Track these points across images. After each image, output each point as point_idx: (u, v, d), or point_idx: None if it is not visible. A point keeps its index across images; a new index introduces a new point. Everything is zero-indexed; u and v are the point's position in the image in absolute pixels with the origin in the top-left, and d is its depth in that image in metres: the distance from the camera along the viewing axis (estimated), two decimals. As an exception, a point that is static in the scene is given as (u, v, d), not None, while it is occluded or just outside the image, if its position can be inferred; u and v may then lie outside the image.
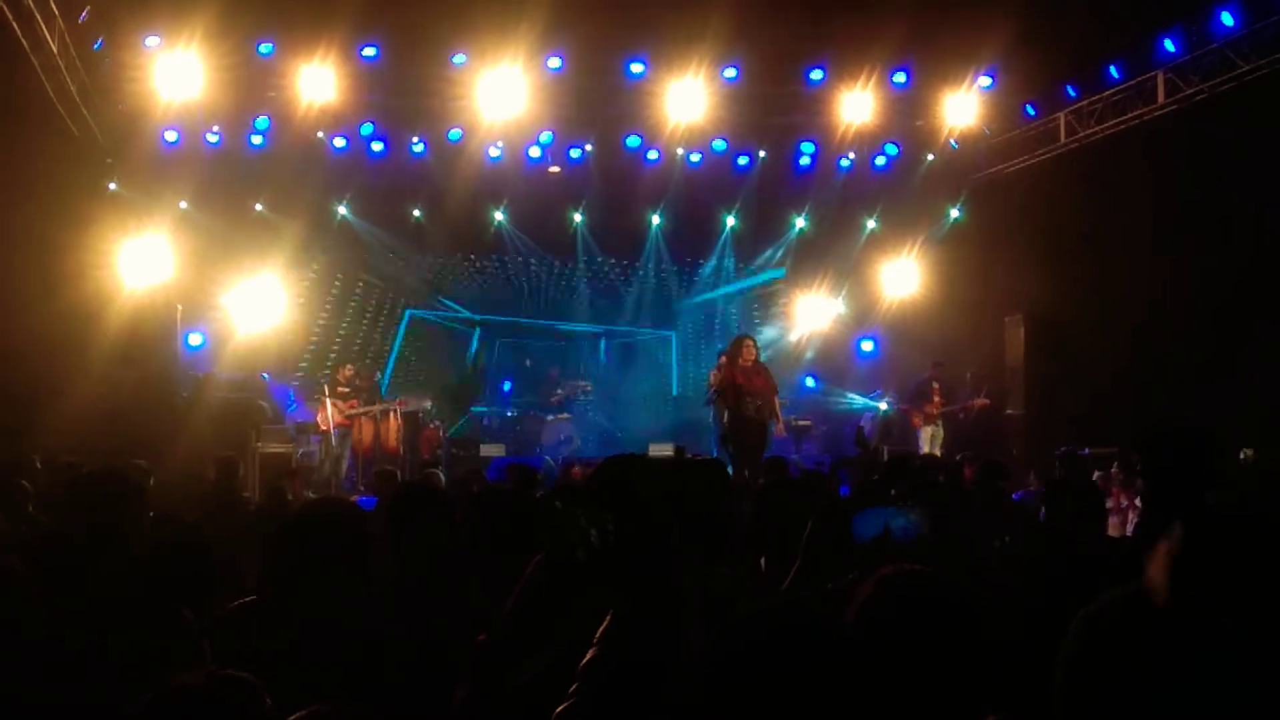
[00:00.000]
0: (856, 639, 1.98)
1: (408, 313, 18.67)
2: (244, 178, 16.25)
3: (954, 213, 17.82)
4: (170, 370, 13.90)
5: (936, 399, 15.88)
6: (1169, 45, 13.47)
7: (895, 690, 1.95)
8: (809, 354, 18.68)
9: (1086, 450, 11.51)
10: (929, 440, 15.65)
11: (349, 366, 15.79)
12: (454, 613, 3.24)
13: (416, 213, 17.78)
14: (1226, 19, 12.64)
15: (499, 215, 18.21)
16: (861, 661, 1.84)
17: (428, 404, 16.95)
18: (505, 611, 2.57)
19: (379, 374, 16.20)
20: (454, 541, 4.05)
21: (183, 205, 16.06)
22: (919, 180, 17.48)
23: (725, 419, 12.98)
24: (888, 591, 2.26)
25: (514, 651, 2.58)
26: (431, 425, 16.58)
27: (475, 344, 19.02)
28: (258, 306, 16.34)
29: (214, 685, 2.35)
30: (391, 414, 15.46)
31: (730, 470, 12.42)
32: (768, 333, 18.53)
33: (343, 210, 17.57)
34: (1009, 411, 15.77)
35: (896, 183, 17.65)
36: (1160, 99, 13.72)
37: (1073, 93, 15.21)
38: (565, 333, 19.49)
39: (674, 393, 19.46)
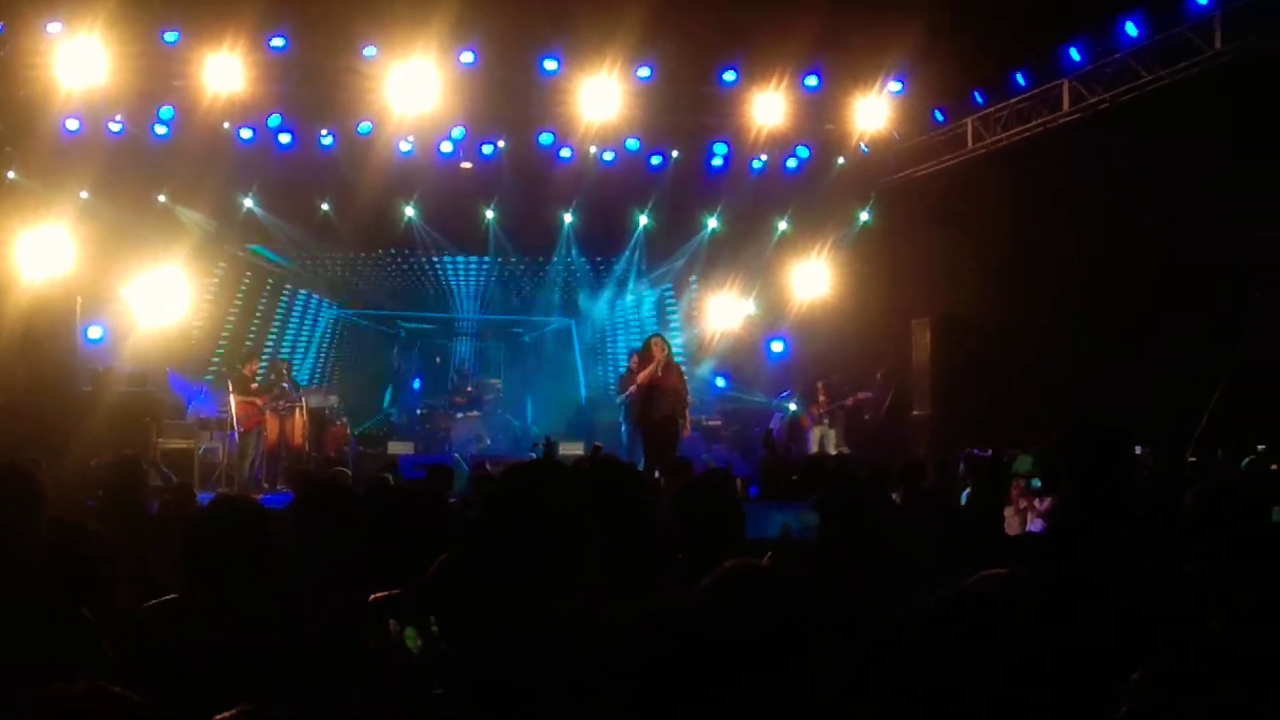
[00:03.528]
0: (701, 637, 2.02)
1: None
2: (147, 168, 15.97)
3: (864, 215, 18.02)
4: (68, 364, 13.58)
5: (821, 398, 16.18)
6: (1074, 54, 13.75)
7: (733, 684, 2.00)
8: (719, 354, 18.80)
9: (990, 452, 11.72)
10: (817, 440, 15.93)
11: (255, 361, 15.53)
12: (359, 613, 3.22)
13: (325, 206, 17.57)
14: (1130, 29, 12.94)
15: (409, 211, 18.08)
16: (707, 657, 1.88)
17: (334, 400, 16.79)
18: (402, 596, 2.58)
19: (287, 369, 15.95)
20: (362, 541, 4.02)
21: (83, 195, 15.71)
22: (830, 183, 17.63)
23: (636, 417, 13.02)
24: (721, 586, 2.32)
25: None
26: (338, 423, 16.42)
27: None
28: (160, 300, 16.04)
29: (77, 699, 2.26)
30: (297, 410, 15.26)
31: (640, 468, 12.47)
32: (676, 332, 18.62)
33: (249, 203, 17.32)
34: (916, 412, 16.01)
35: (808, 185, 17.79)
36: (1065, 107, 14.00)
37: (980, 99, 15.44)
38: (474, 330, 19.41)
39: (582, 391, 19.49)
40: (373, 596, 3.53)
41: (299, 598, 3.63)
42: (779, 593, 2.31)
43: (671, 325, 19.02)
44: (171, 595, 3.62)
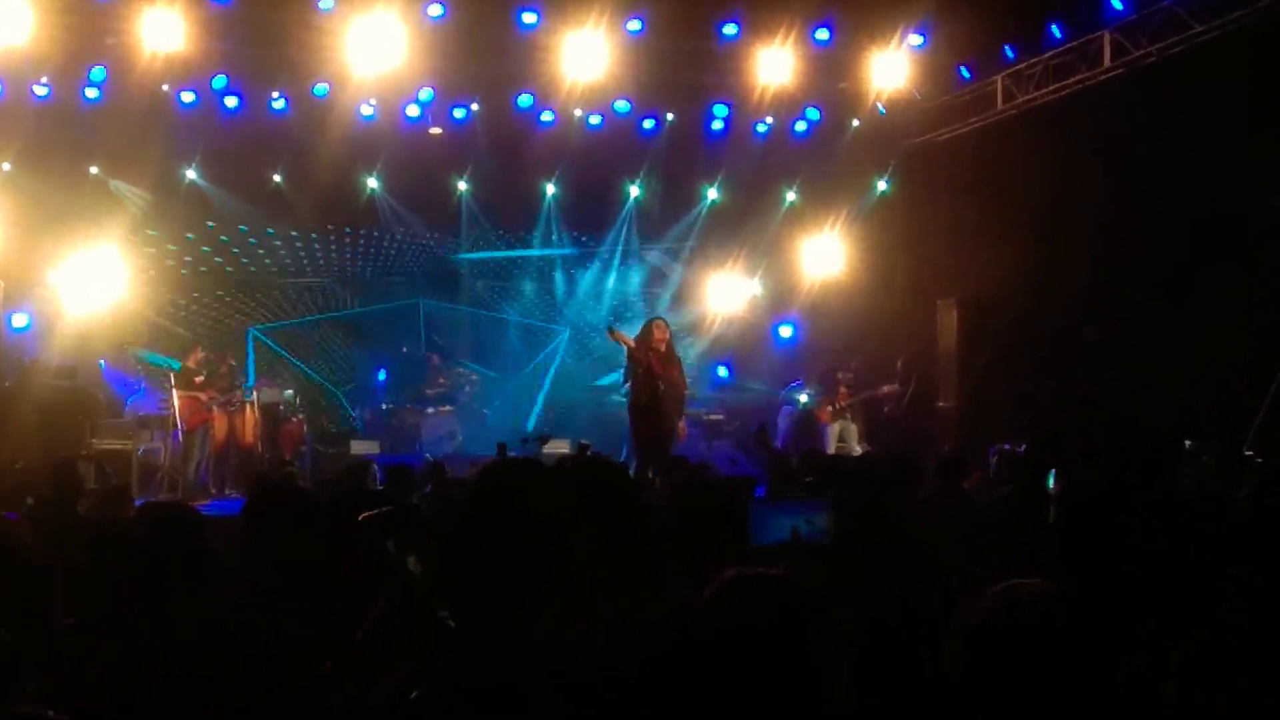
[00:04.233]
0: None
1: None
2: (78, 136, 15.86)
3: (882, 184, 18.01)
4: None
5: (842, 390, 16.13)
6: (1116, 3, 13.73)
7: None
8: (720, 340, 18.78)
9: (1024, 447, 11.71)
10: (836, 437, 15.89)
11: (199, 350, 15.41)
12: (309, 628, 3.22)
13: (277, 178, 17.51)
14: (1179, -26, 12.92)
15: (372, 182, 18.04)
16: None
17: (289, 393, 16.75)
18: (356, 639, 2.60)
19: (234, 358, 15.89)
20: (318, 553, 4.02)
21: (5, 167, 15.69)
22: (843, 148, 17.61)
23: (633, 407, 13.00)
24: (725, 598, 2.32)
25: (361, 680, 2.60)
26: (294, 419, 16.39)
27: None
28: (93, 283, 15.95)
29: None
30: (248, 406, 15.21)
31: (632, 468, 12.47)
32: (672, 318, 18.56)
33: (192, 174, 17.25)
34: (941, 404, 16.01)
35: (819, 151, 17.77)
36: (1106, 62, 13.96)
37: (1011, 54, 15.42)
38: (448, 315, 19.40)
39: (569, 383, 19.48)
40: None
41: (245, 616, 3.63)
42: (788, 603, 2.31)
43: (660, 304, 18.95)
44: (103, 612, 3.61)
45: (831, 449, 15.33)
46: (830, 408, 16.11)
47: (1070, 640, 2.18)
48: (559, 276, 19.63)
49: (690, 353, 17.78)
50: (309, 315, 18.81)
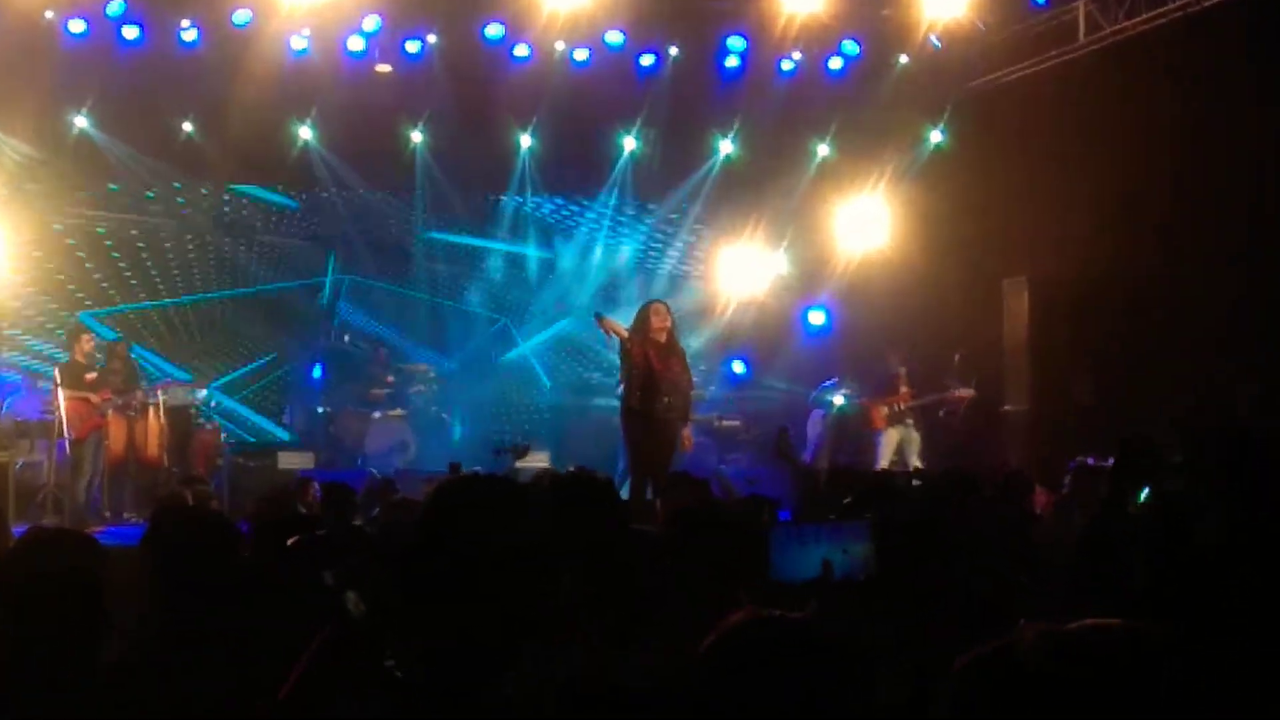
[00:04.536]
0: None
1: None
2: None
3: (935, 136, 18.05)
4: None
5: (903, 389, 16.02)
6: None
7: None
8: (736, 330, 18.77)
9: (1110, 461, 11.72)
10: (893, 448, 15.75)
11: (88, 336, 15.22)
12: (224, 682, 3.24)
13: (188, 127, 17.49)
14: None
15: (305, 132, 18.04)
16: None
17: (203, 394, 16.74)
18: (286, 688, 2.61)
19: (129, 346, 15.85)
20: (232, 586, 4.03)
21: None
22: (888, 91, 17.62)
23: (626, 412, 12.99)
24: (730, 648, 2.31)
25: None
26: (208, 426, 16.38)
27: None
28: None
29: None
30: (151, 411, 15.19)
31: (628, 486, 12.47)
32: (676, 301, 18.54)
33: (82, 121, 17.22)
34: (1007, 408, 16.01)
35: (858, 94, 17.78)
36: (1215, -18, 13.99)
37: (1097, -26, 15.45)
38: (399, 297, 19.42)
39: (546, 383, 19.51)
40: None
41: (147, 667, 3.64)
42: (811, 654, 2.31)
43: (656, 275, 18.96)
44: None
45: (884, 462, 15.23)
46: (886, 409, 16.04)
47: (1163, 697, 2.18)
48: (533, 250, 19.61)
49: (698, 344, 17.78)
50: (218, 291, 18.83)
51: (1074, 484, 10.44)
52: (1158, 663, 2.05)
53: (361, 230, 19.13)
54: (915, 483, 11.51)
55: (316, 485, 10.31)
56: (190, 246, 18.74)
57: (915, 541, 5.47)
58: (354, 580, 4.15)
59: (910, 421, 15.97)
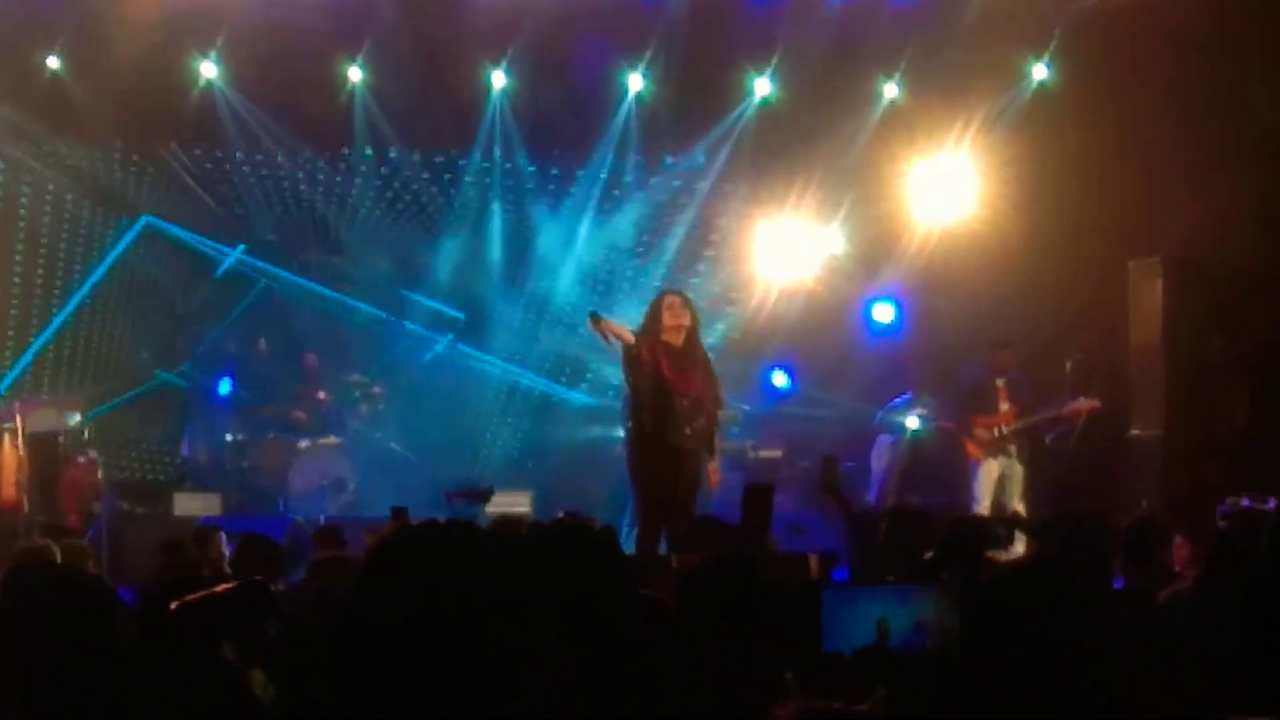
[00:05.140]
0: None
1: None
2: None
3: (1040, 71, 18.04)
4: None
5: (1005, 406, 15.96)
6: None
7: None
8: (777, 329, 18.78)
9: (1272, 503, 11.75)
10: (993, 482, 15.71)
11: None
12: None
13: (54, 64, 17.53)
14: None
15: (208, 70, 18.04)
16: None
17: (75, 418, 16.77)
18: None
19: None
20: (106, 665, 4.05)
21: None
22: (974, 17, 17.62)
23: (634, 441, 12.99)
24: None
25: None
26: (81, 459, 16.41)
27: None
28: None
29: None
30: (6, 436, 15.21)
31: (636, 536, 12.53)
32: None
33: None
34: (1135, 431, 16.00)
35: (934, 21, 17.84)
36: None
37: None
38: (331, 290, 19.48)
39: (531, 397, 19.48)
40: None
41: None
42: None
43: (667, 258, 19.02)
44: None
45: (984, 502, 15.19)
46: (985, 434, 15.96)
47: None
48: (498, 224, 19.62)
49: (725, 348, 17.81)
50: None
51: (1226, 532, 10.45)
52: None
53: (280, 203, 19.15)
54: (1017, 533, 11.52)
55: (224, 537, 10.34)
56: (51, 219, 18.73)
57: (1008, 613, 5.45)
58: (261, 654, 4.15)
59: (1013, 450, 15.90)
